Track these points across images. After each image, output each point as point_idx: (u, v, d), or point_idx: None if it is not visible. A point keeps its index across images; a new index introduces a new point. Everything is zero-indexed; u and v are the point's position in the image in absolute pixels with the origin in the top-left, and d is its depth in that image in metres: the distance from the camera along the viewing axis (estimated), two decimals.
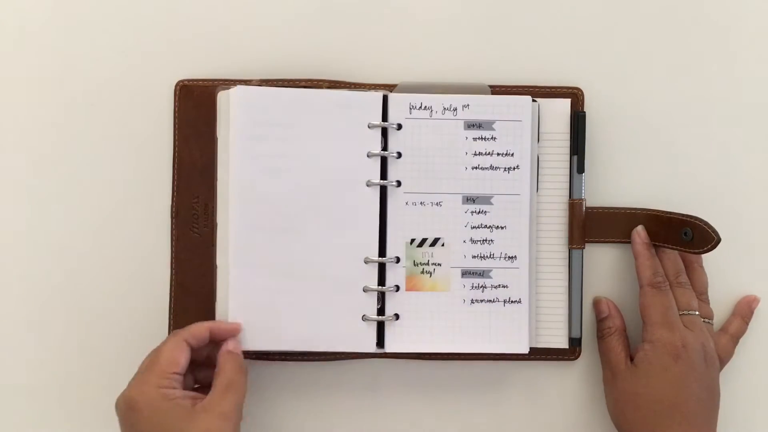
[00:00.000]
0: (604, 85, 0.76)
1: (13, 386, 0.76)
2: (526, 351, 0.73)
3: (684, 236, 0.71)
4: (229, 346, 0.70)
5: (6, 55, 0.77)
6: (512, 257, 0.73)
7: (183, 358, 0.67)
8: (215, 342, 0.70)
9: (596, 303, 0.76)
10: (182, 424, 0.64)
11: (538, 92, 0.75)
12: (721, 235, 0.70)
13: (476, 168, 0.73)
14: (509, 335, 0.73)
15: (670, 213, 0.73)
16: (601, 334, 0.75)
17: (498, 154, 0.73)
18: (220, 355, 0.69)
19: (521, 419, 0.76)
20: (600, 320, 0.75)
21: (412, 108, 0.73)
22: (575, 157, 0.74)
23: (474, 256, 0.73)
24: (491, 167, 0.73)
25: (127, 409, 0.65)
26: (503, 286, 0.73)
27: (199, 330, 0.69)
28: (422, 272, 0.73)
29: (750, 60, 0.77)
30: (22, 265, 0.76)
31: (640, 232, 0.73)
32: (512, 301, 0.73)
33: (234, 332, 0.71)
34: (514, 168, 0.72)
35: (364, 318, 0.73)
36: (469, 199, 0.73)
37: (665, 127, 0.77)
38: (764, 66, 0.77)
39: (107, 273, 0.76)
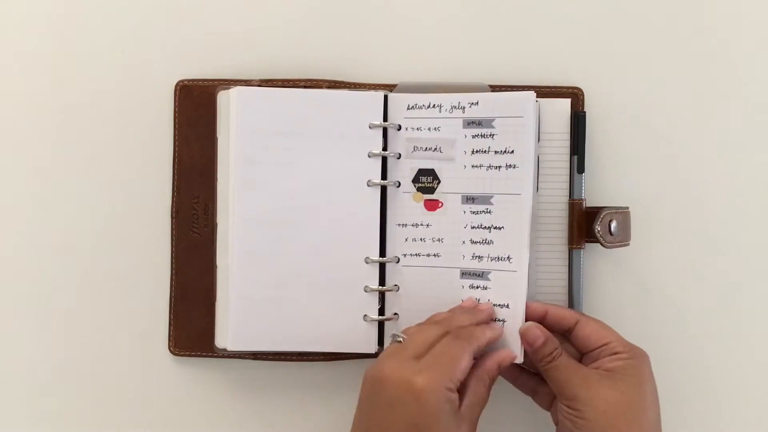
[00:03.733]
0: (604, 85, 0.76)
1: (13, 386, 0.76)
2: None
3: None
4: (506, 360, 0.68)
5: (6, 56, 0.77)
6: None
7: (466, 365, 0.65)
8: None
9: (526, 331, 0.68)
10: (453, 428, 0.63)
11: (538, 92, 0.74)
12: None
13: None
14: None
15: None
16: (551, 359, 0.67)
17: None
18: (491, 360, 0.67)
19: (521, 418, 0.76)
20: (538, 348, 0.68)
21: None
22: (575, 157, 0.74)
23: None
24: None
25: (409, 396, 0.62)
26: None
27: (481, 344, 0.67)
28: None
29: (750, 59, 0.77)
30: (22, 265, 0.76)
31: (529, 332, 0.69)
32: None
33: (507, 359, 0.68)
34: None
35: (365, 318, 0.73)
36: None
37: (665, 127, 0.77)
38: (764, 66, 0.77)
39: (107, 273, 0.76)
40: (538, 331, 0.68)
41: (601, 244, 0.72)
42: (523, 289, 0.70)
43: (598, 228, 0.72)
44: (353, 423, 0.65)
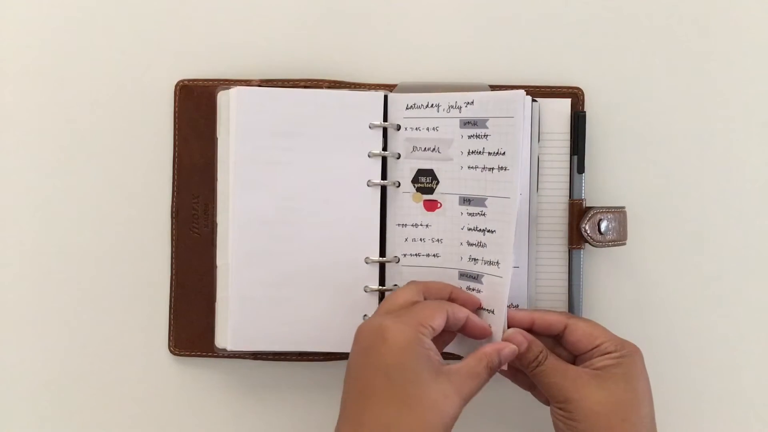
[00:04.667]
0: (604, 85, 0.76)
1: (13, 386, 0.76)
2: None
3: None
4: (505, 353, 0.65)
5: (6, 56, 0.77)
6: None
7: (440, 322, 0.64)
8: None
9: (508, 338, 0.67)
10: (427, 375, 0.61)
11: (538, 92, 0.74)
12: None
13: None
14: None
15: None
16: (537, 363, 0.66)
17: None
18: (492, 346, 0.65)
19: (520, 418, 0.76)
20: (522, 354, 0.66)
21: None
22: (575, 157, 0.74)
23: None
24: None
25: (377, 337, 0.62)
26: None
27: (460, 312, 0.67)
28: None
29: (750, 60, 0.77)
30: (22, 265, 0.76)
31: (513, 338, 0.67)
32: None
33: (485, 334, 0.68)
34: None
35: (365, 318, 0.73)
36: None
37: (665, 127, 0.77)
38: (764, 66, 0.77)
39: (107, 273, 0.76)
40: (520, 337, 0.67)
41: (590, 243, 0.72)
42: (505, 295, 0.68)
43: (585, 227, 0.72)
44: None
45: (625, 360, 0.66)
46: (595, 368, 0.66)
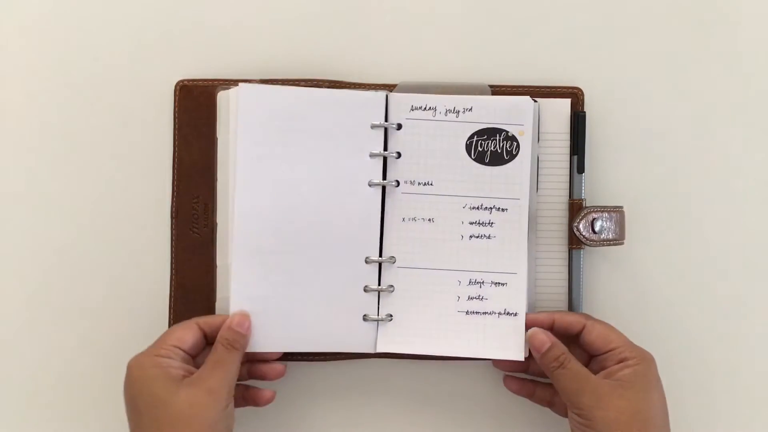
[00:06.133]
0: (604, 85, 0.76)
1: (13, 386, 0.76)
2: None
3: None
4: (233, 322, 0.69)
5: (5, 55, 0.77)
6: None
7: (189, 336, 0.68)
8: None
9: (532, 337, 0.69)
10: (166, 393, 0.65)
11: (538, 92, 0.74)
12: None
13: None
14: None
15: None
16: (558, 364, 0.68)
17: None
18: (220, 331, 0.69)
19: (521, 419, 0.76)
20: (545, 353, 0.68)
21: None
22: (575, 157, 0.74)
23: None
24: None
25: (126, 374, 0.67)
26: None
27: (213, 319, 0.70)
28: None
29: (750, 60, 0.77)
30: (21, 265, 0.76)
31: (537, 336, 0.69)
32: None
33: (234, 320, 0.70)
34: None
35: (365, 318, 0.73)
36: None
37: (665, 127, 0.77)
38: (764, 66, 0.77)
39: (107, 273, 0.76)
40: (544, 337, 0.69)
41: (582, 243, 0.72)
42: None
43: (578, 226, 0.72)
44: None
45: (641, 369, 0.67)
46: (614, 378, 0.67)
